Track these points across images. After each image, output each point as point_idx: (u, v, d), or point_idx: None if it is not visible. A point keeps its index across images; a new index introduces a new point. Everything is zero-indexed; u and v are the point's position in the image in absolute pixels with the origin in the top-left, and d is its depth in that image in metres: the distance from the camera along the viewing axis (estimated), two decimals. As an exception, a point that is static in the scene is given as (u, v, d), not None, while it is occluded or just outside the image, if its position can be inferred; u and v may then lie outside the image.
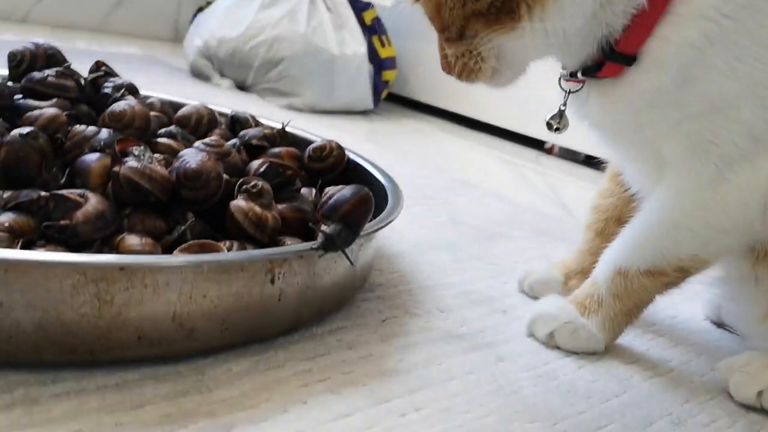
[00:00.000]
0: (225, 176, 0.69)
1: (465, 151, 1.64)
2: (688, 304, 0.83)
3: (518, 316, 0.71)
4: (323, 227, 0.58)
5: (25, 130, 0.65)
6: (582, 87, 0.63)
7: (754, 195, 0.60)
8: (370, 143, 1.49)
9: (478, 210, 1.09)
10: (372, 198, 0.60)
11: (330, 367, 0.56)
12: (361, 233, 0.64)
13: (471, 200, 1.13)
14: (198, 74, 1.81)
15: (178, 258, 0.52)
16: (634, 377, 0.65)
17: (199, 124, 0.89)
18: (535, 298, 0.76)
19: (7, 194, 0.61)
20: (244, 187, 0.67)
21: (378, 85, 1.86)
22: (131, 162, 0.64)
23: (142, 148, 0.67)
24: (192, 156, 0.68)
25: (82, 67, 0.84)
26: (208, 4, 1.93)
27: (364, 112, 1.84)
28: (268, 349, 0.57)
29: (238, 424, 0.48)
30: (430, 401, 0.54)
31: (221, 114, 0.96)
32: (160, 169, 0.64)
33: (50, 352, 0.49)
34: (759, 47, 0.55)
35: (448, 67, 0.63)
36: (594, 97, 0.63)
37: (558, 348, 0.67)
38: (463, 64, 0.60)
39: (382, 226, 0.67)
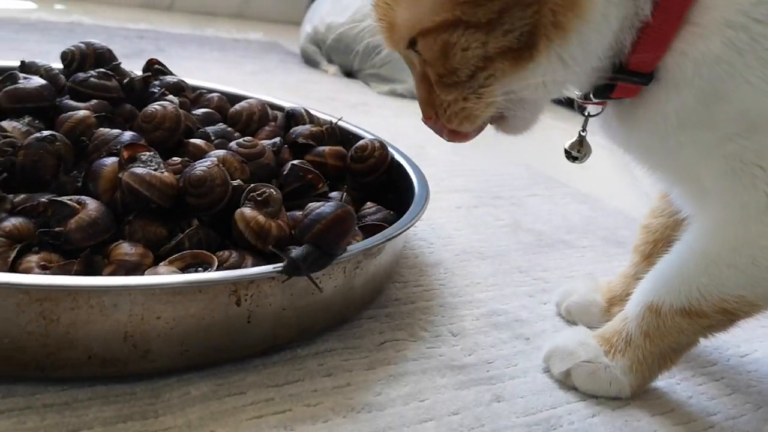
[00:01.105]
0: (238, 182, 0.67)
1: (574, 142, 1.52)
2: (766, 341, 0.71)
3: (542, 346, 0.63)
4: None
5: (45, 133, 0.67)
6: (602, 110, 0.55)
7: None
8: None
9: (551, 213, 0.99)
10: (352, 216, 0.55)
11: (296, 396, 0.53)
12: (360, 251, 0.60)
13: (547, 201, 1.04)
14: (308, 60, 1.82)
15: (125, 280, 0.50)
16: (657, 432, 0.55)
17: (251, 121, 0.88)
18: (573, 323, 0.68)
19: (20, 197, 0.63)
20: (251, 194, 0.65)
21: (490, 70, 1.76)
22: (135, 168, 0.63)
23: (151, 153, 0.66)
24: (201, 162, 0.67)
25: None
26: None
27: (473, 98, 1.75)
28: (237, 371, 0.54)
29: (166, 458, 0.45)
30: (392, 446, 0.49)
31: (280, 109, 0.95)
32: (163, 176, 0.63)
33: (2, 368, 0.49)
34: None
35: (433, 116, 0.54)
36: (616, 121, 0.54)
37: (576, 389, 0.59)
38: (461, 109, 0.52)
39: (384, 242, 0.62)
